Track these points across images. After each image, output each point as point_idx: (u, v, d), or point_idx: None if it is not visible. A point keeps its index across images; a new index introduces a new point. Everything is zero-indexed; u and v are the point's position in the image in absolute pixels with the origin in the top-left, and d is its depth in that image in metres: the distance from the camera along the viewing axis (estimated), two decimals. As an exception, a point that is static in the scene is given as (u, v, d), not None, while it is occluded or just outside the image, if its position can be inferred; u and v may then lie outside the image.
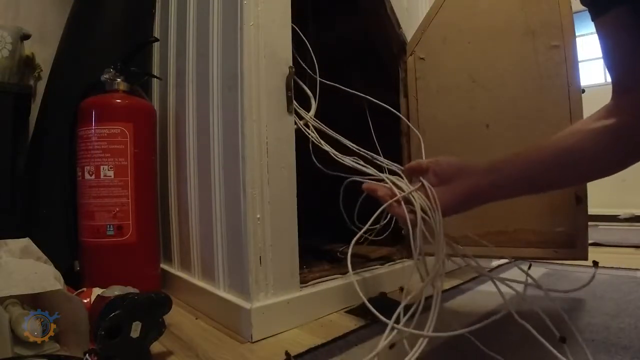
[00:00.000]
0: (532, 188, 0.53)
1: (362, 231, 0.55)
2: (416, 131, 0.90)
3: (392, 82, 1.00)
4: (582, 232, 0.70)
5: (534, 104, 0.75)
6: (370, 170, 0.75)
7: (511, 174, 0.50)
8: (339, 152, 0.81)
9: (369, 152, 0.82)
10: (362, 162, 0.78)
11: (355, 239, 0.51)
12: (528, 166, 0.50)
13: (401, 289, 0.72)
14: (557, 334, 0.48)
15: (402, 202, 0.51)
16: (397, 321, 0.46)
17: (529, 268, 0.52)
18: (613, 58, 0.47)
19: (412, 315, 0.47)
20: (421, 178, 0.53)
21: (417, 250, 0.49)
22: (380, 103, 0.92)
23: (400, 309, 0.46)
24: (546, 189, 0.57)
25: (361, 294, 0.47)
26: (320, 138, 0.81)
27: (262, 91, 0.70)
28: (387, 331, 0.44)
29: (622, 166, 0.48)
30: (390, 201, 0.51)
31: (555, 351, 0.43)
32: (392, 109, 0.92)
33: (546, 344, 0.43)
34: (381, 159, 0.80)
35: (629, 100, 0.46)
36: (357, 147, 0.82)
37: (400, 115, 0.93)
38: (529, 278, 0.51)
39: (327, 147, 0.79)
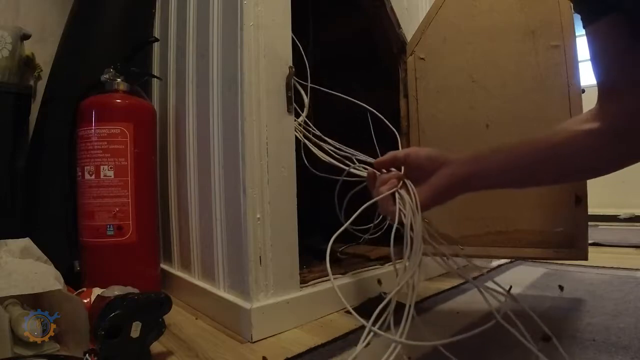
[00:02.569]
0: (511, 181, 0.54)
1: (344, 227, 0.55)
2: (397, 135, 0.90)
3: (392, 82, 1.00)
4: (582, 232, 0.70)
5: (534, 104, 0.75)
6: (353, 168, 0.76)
7: (492, 166, 0.51)
8: (334, 151, 0.81)
9: (358, 153, 0.82)
10: (348, 160, 0.79)
11: (335, 235, 0.51)
12: (510, 159, 0.50)
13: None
14: (546, 332, 0.48)
15: (393, 199, 0.52)
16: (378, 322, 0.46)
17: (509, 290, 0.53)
18: (601, 63, 0.48)
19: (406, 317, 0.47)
20: (405, 179, 0.53)
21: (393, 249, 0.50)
22: (372, 110, 0.92)
23: (375, 314, 0.46)
24: (527, 184, 0.58)
25: (344, 300, 0.47)
26: (315, 138, 0.82)
27: (262, 91, 0.70)
28: (364, 333, 0.44)
29: (604, 171, 0.48)
30: (378, 198, 0.52)
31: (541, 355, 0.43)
32: (382, 116, 0.92)
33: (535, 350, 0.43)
34: (363, 156, 0.80)
35: (614, 105, 0.46)
36: (346, 147, 0.82)
37: (388, 124, 0.92)
38: (508, 290, 0.51)
39: (315, 150, 0.80)
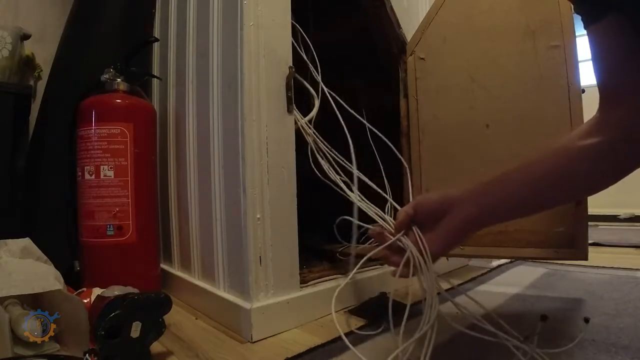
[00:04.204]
0: (522, 211, 0.52)
1: (365, 259, 0.55)
2: (406, 164, 0.89)
3: (392, 83, 1.00)
4: (582, 232, 0.69)
5: (534, 104, 0.75)
6: (354, 196, 0.74)
7: (499, 200, 0.49)
8: (337, 156, 0.80)
9: (361, 176, 0.80)
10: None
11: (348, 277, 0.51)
12: (516, 189, 0.49)
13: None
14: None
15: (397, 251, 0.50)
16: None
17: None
18: (603, 64, 0.47)
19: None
20: (413, 228, 0.51)
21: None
22: (371, 127, 0.92)
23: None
24: (536, 210, 0.55)
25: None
26: (320, 141, 0.81)
27: (262, 91, 0.70)
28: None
29: (613, 181, 0.48)
30: (371, 254, 0.52)
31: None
32: (383, 136, 0.91)
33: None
34: (373, 185, 0.79)
35: (616, 113, 0.45)
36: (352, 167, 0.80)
37: (386, 140, 0.91)
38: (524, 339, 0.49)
39: (322, 161, 0.78)
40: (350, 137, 0.82)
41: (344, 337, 0.45)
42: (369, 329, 0.66)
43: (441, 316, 0.46)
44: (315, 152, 0.78)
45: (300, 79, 0.80)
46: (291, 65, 0.75)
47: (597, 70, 0.47)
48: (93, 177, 0.77)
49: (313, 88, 0.86)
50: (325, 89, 0.88)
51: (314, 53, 0.87)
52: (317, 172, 0.78)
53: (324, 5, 1.18)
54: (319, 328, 0.70)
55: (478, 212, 0.48)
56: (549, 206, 0.56)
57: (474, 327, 0.47)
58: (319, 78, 0.86)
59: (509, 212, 0.51)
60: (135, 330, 0.52)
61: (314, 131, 0.79)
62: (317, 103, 0.83)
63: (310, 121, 0.81)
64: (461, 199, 0.49)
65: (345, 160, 0.81)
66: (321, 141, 0.81)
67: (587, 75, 0.75)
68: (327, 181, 0.79)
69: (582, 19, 0.47)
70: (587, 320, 0.64)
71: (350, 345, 0.46)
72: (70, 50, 0.98)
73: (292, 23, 0.78)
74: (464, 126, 0.83)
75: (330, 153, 0.81)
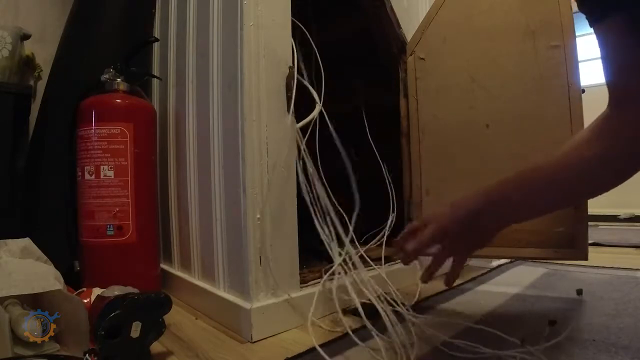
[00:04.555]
0: (525, 215, 0.57)
1: (336, 265, 0.55)
2: (389, 180, 0.88)
3: (392, 83, 1.00)
4: (582, 232, 0.70)
5: (534, 104, 0.75)
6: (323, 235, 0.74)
7: (506, 209, 0.53)
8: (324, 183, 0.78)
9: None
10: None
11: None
12: (523, 198, 0.51)
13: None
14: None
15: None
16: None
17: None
18: (612, 66, 0.47)
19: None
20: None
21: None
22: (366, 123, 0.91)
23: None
24: (539, 215, 0.59)
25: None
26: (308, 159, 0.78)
27: (262, 91, 0.70)
28: None
29: (622, 181, 0.48)
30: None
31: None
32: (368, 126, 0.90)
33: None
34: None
35: (628, 114, 0.45)
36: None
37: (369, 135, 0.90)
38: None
39: (303, 185, 0.75)
40: (351, 139, 0.81)
41: (316, 347, 0.45)
42: (368, 329, 0.66)
43: (443, 315, 0.46)
44: (300, 171, 0.74)
45: (302, 79, 0.80)
46: (291, 65, 0.75)
47: (606, 70, 0.47)
48: (93, 177, 0.77)
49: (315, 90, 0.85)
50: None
51: (317, 53, 0.87)
52: (307, 178, 0.75)
53: (324, 5, 1.18)
54: (319, 328, 0.70)
55: (494, 228, 0.56)
56: (552, 210, 0.59)
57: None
58: (322, 80, 0.85)
59: (515, 217, 0.56)
60: (135, 330, 0.52)
61: (304, 147, 0.76)
62: (317, 107, 0.80)
63: (308, 125, 0.78)
64: (481, 208, 0.54)
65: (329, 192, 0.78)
66: (308, 158, 0.76)
67: (587, 75, 0.75)
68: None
69: (586, 18, 0.47)
70: (552, 324, 0.64)
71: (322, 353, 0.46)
72: (70, 50, 0.98)
73: (294, 21, 0.78)
74: (464, 126, 0.83)
75: (318, 175, 0.77)
